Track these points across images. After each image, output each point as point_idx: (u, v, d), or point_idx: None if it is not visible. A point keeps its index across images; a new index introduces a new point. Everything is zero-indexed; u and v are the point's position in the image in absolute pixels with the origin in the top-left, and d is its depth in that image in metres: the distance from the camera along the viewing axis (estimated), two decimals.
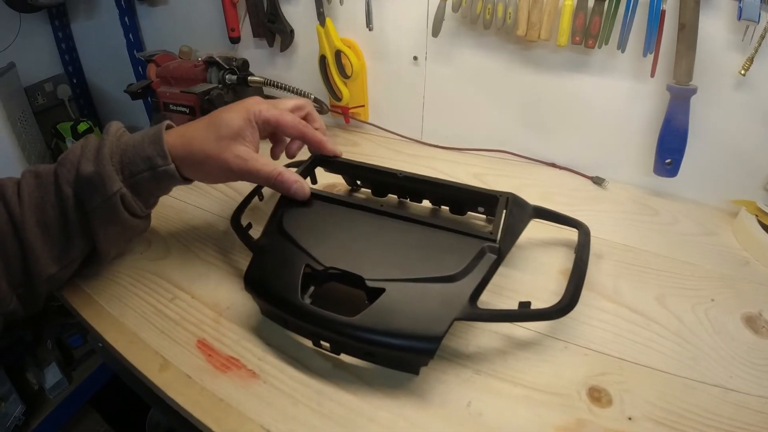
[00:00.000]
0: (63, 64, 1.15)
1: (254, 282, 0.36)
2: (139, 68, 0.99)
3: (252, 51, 0.81)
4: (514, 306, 0.34)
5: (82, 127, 0.99)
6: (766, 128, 0.48)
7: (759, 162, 0.50)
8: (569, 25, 0.50)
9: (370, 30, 0.65)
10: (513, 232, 0.39)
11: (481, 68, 0.61)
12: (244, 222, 0.44)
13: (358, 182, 0.55)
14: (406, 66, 0.66)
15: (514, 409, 0.31)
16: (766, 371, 0.34)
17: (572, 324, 0.38)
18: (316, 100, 0.66)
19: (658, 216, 0.53)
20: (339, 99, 0.70)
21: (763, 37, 0.43)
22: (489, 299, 0.40)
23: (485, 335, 0.37)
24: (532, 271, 0.43)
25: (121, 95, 0.80)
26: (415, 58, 0.65)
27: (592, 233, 0.44)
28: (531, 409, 0.31)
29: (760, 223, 0.47)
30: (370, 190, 0.53)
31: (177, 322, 0.39)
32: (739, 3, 0.42)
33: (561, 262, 0.44)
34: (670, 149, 0.51)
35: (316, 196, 0.42)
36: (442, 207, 0.51)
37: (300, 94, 0.66)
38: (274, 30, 0.75)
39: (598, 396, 0.32)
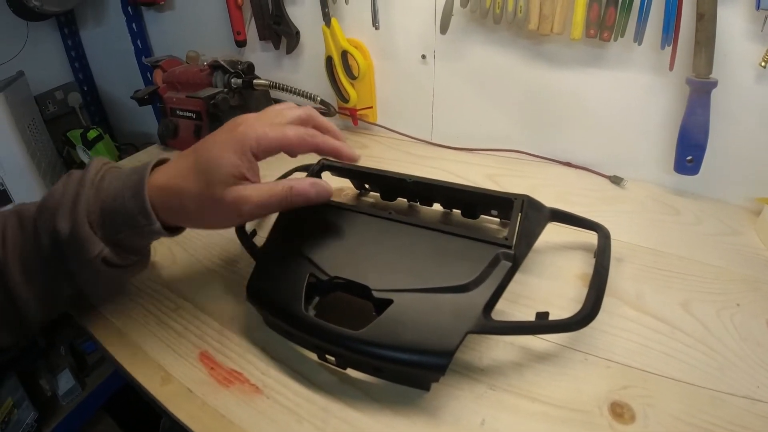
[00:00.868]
0: (73, 72, 1.16)
1: (256, 292, 0.35)
2: (148, 74, 0.99)
3: (258, 54, 0.80)
4: (531, 316, 0.32)
5: (92, 134, 0.99)
6: None
7: None
8: (583, 17, 0.47)
9: (376, 29, 0.64)
10: (529, 236, 0.37)
11: (492, 65, 0.59)
12: (249, 228, 0.43)
13: (367, 186, 0.53)
14: (415, 65, 0.64)
15: (531, 427, 0.29)
16: None
17: (593, 333, 0.35)
18: (323, 102, 0.65)
19: (679, 216, 0.50)
20: (346, 100, 0.68)
21: None
22: (504, 308, 0.38)
23: (500, 347, 0.35)
24: (550, 277, 0.41)
25: (131, 101, 0.80)
26: (424, 56, 0.63)
27: (612, 235, 0.41)
28: (549, 427, 0.29)
29: None
30: (378, 194, 0.51)
31: (180, 333, 0.38)
32: None
33: (580, 267, 0.42)
34: (691, 146, 0.48)
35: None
36: (454, 210, 0.49)
37: (307, 97, 0.65)
38: (279, 32, 0.74)
39: (620, 411, 0.30)
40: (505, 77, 0.59)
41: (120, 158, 0.88)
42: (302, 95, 0.65)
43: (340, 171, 0.50)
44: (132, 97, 0.79)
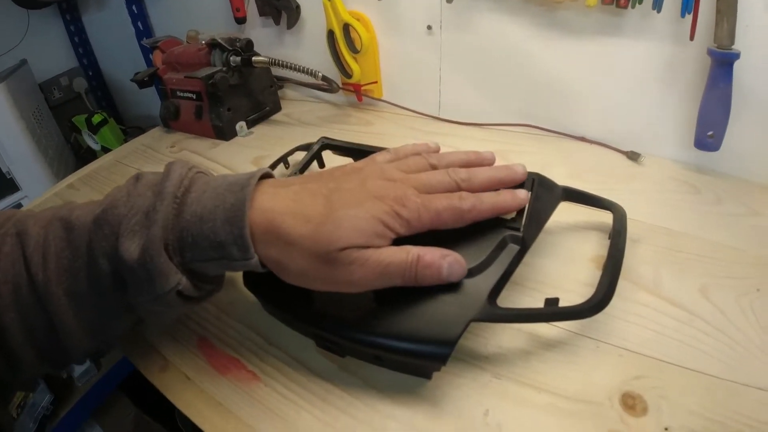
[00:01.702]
0: (77, 57, 1.15)
1: (254, 279, 0.34)
2: (150, 56, 0.97)
3: (259, 30, 0.78)
4: (540, 301, 0.30)
5: (97, 118, 0.98)
6: None
7: None
8: None
9: (379, 0, 0.60)
10: (539, 218, 0.35)
11: (502, 35, 0.55)
12: None
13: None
14: (420, 37, 0.61)
15: (537, 420, 0.28)
16: None
17: (605, 320, 0.33)
18: (324, 79, 0.63)
19: (699, 195, 0.47)
20: (349, 76, 0.66)
21: None
22: (511, 293, 0.36)
23: (506, 333, 0.33)
24: (561, 260, 0.39)
25: (135, 85, 0.78)
26: (429, 27, 0.60)
27: (628, 215, 0.39)
28: (556, 420, 0.28)
29: None
30: None
31: (179, 318, 0.38)
32: None
33: (593, 249, 0.40)
34: (712, 120, 0.45)
35: None
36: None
37: (308, 73, 0.63)
38: (279, 7, 0.71)
39: (632, 403, 0.28)
40: (515, 47, 0.55)
41: (126, 141, 0.87)
42: (303, 71, 0.63)
43: (341, 150, 0.48)
44: (132, 80, 0.78)
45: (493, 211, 0.31)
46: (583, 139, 0.57)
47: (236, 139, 0.68)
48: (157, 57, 0.79)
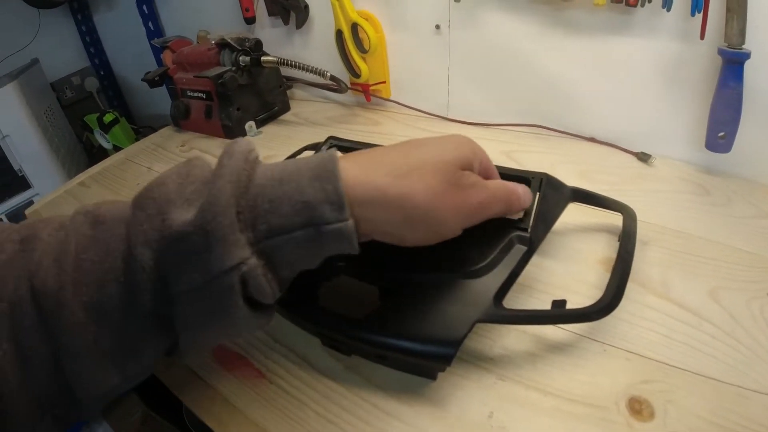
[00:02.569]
0: (89, 57, 1.16)
1: None
2: (160, 56, 0.98)
3: (268, 30, 0.78)
4: (547, 303, 0.30)
5: (108, 117, 0.99)
6: None
7: None
8: None
9: None
10: (547, 218, 0.35)
11: (509, 34, 0.55)
12: None
13: None
14: (428, 36, 0.61)
15: (541, 422, 0.28)
16: None
17: (613, 322, 0.33)
18: (333, 78, 0.63)
19: (710, 196, 0.46)
20: (358, 76, 0.66)
21: None
22: (518, 294, 0.36)
23: (512, 335, 0.33)
24: (569, 261, 0.39)
25: (146, 84, 0.79)
26: (438, 26, 0.60)
27: (638, 216, 0.39)
28: (561, 423, 0.27)
29: None
30: None
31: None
32: None
33: (602, 251, 0.40)
34: (723, 121, 0.44)
35: None
36: None
37: (317, 73, 0.63)
38: (288, 7, 0.71)
39: (638, 408, 0.28)
40: (523, 47, 0.55)
41: (137, 140, 0.88)
42: (312, 71, 0.63)
43: (349, 150, 0.48)
44: (142, 79, 0.78)
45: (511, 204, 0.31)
46: (592, 139, 0.56)
47: (245, 138, 0.68)
48: (168, 57, 0.80)
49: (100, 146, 1.05)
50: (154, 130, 1.14)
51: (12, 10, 0.99)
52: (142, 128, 1.16)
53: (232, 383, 0.32)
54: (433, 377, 0.30)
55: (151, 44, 0.96)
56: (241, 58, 0.66)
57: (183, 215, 0.21)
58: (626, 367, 0.30)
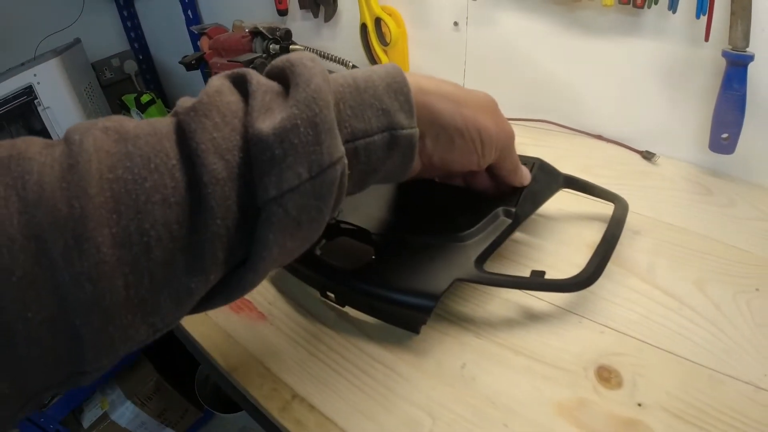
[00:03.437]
0: (129, 41, 1.23)
1: None
2: (197, 42, 1.04)
3: (299, 22, 0.82)
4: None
5: (145, 98, 1.06)
6: None
7: None
8: None
9: None
10: (535, 199, 0.37)
11: (524, 32, 0.57)
12: None
13: None
14: (447, 32, 0.64)
15: (510, 378, 0.30)
16: None
17: (593, 299, 0.35)
18: (355, 68, 0.66)
19: (711, 196, 0.47)
20: None
21: None
22: (505, 266, 0.38)
23: (496, 302, 0.35)
24: (558, 242, 0.41)
25: (183, 70, 0.84)
26: (456, 23, 0.62)
27: (634, 209, 0.40)
28: (529, 381, 0.30)
29: None
30: None
31: None
32: None
33: (592, 235, 0.41)
34: (726, 122, 0.45)
35: None
36: None
37: (340, 63, 0.66)
38: (318, 0, 0.75)
39: (607, 376, 0.30)
40: (537, 44, 0.57)
41: None
42: (336, 61, 0.67)
43: None
44: (180, 62, 0.84)
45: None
46: (599, 137, 0.58)
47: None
48: (204, 42, 0.85)
49: None
50: None
51: None
52: None
53: (236, 322, 0.36)
54: (417, 331, 0.33)
55: (189, 30, 1.02)
56: (271, 46, 0.70)
57: (269, 120, 0.19)
58: (600, 339, 0.32)
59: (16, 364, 0.16)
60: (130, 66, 1.22)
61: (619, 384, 0.29)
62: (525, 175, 0.36)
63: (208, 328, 0.35)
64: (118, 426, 1.06)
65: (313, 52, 0.68)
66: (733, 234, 0.42)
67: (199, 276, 0.19)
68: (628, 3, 0.46)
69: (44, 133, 0.93)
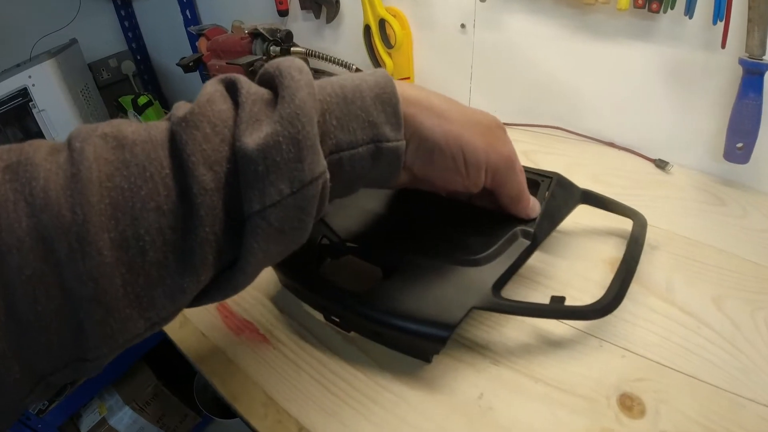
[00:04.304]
0: (127, 41, 1.21)
1: None
2: (195, 43, 1.02)
3: (300, 23, 0.80)
4: (547, 296, 0.31)
5: (142, 100, 1.04)
6: None
7: None
8: None
9: None
10: (554, 217, 0.35)
11: (533, 35, 0.56)
12: None
13: None
14: (453, 35, 0.62)
15: (529, 408, 0.28)
16: None
17: (613, 321, 0.33)
18: (358, 71, 0.64)
19: (725, 207, 0.46)
20: None
21: None
22: (520, 286, 0.37)
23: (510, 325, 0.34)
24: (574, 258, 0.39)
25: (181, 71, 0.82)
26: (463, 25, 0.61)
27: (650, 221, 0.39)
28: (549, 410, 0.28)
29: None
30: None
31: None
32: None
33: (609, 251, 0.40)
34: (741, 131, 0.44)
35: None
36: None
37: (343, 66, 0.65)
38: (319, 1, 0.73)
39: (629, 404, 0.28)
40: (547, 49, 0.56)
41: None
42: (338, 63, 0.65)
43: None
44: (177, 64, 0.82)
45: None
46: (611, 144, 0.56)
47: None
48: (203, 44, 0.83)
49: None
50: None
51: None
52: None
53: (237, 345, 0.34)
54: (428, 360, 0.31)
55: (187, 31, 1.00)
56: (271, 48, 0.68)
57: (255, 133, 0.20)
58: (621, 363, 0.31)
59: (26, 349, 0.18)
60: (128, 67, 1.20)
61: (642, 412, 0.28)
62: (532, 206, 0.33)
63: (208, 350, 0.34)
64: (116, 431, 1.05)
65: (314, 54, 0.67)
66: (747, 247, 0.40)
67: (190, 276, 0.20)
68: (644, 7, 0.45)
69: (40, 135, 0.91)
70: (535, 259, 0.39)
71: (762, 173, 0.47)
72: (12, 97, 0.87)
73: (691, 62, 0.47)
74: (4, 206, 0.18)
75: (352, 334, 0.33)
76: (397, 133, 0.25)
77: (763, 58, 0.41)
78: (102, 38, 1.16)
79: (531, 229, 0.32)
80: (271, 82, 0.23)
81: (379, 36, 0.65)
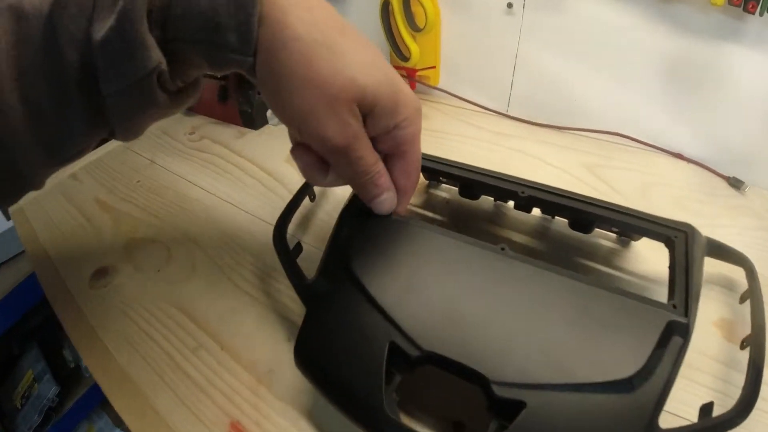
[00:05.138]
0: None
1: (311, 362, 0.25)
2: None
3: None
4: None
5: None
6: None
7: None
8: None
9: None
10: (697, 290, 0.27)
11: (601, 22, 0.46)
12: (290, 240, 0.33)
13: (441, 178, 0.42)
14: (497, 15, 0.51)
15: None
16: None
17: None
18: None
19: None
20: (406, 59, 0.55)
21: None
22: None
23: None
24: None
25: None
26: (510, 5, 0.49)
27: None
28: None
29: None
30: (456, 188, 0.39)
31: (202, 388, 0.31)
32: None
33: (716, 310, 0.33)
34: None
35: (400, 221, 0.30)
36: (556, 217, 0.38)
37: None
38: None
39: None
40: (616, 40, 0.46)
41: None
42: None
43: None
44: None
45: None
46: (680, 156, 0.48)
47: (266, 127, 0.59)
48: None
49: None
50: None
51: None
52: None
53: None
54: None
55: None
56: None
57: (104, 22, 0.22)
58: None
59: None
60: None
61: None
62: (387, 200, 0.30)
63: None
64: None
65: None
66: None
67: (81, 134, 0.25)
68: (740, 5, 0.37)
69: None
70: None
71: None
72: None
73: None
74: None
75: None
76: (244, 46, 0.23)
77: None
78: None
79: (684, 320, 0.24)
80: None
81: (402, 14, 0.52)
